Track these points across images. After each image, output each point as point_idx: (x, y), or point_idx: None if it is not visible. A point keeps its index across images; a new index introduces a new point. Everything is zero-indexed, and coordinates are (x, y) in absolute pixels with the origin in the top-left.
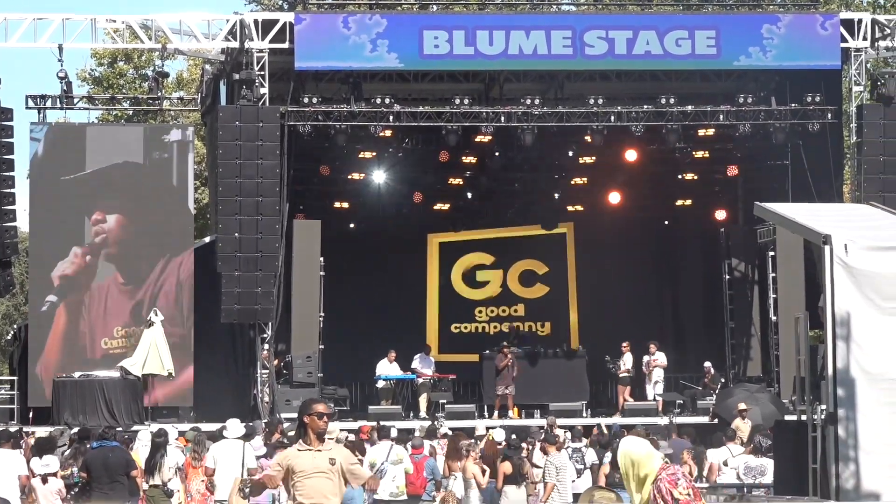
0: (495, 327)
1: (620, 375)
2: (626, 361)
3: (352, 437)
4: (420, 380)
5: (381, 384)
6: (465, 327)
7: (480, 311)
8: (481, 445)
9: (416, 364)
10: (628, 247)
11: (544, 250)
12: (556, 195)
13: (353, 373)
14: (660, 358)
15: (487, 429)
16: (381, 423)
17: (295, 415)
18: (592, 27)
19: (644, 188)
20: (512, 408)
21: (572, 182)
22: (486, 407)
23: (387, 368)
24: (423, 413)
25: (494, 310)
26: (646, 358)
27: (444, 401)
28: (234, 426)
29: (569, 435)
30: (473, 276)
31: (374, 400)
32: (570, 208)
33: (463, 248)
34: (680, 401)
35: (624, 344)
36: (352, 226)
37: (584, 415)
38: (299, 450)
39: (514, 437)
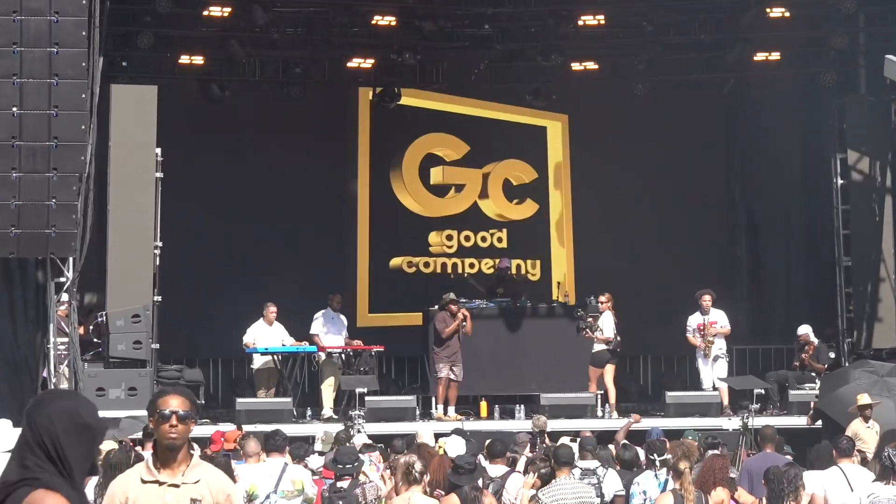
0: (471, 265)
1: (595, 349)
2: (605, 325)
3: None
4: (323, 354)
5: (256, 362)
6: (411, 266)
7: (443, 239)
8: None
9: (316, 328)
10: (666, 126)
11: (531, 144)
12: (553, 54)
13: (210, 343)
14: (720, 320)
15: (437, 437)
16: (260, 426)
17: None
18: None
19: (698, 32)
20: (453, 401)
21: (580, 24)
22: (434, 400)
23: (265, 335)
24: (327, 409)
25: (471, 236)
26: (695, 320)
27: (364, 390)
28: (3, 433)
29: (573, 446)
30: (428, 175)
31: (246, 387)
32: (576, 67)
33: (413, 125)
34: (759, 390)
35: (602, 297)
36: (214, 91)
37: (600, 413)
38: (143, 480)
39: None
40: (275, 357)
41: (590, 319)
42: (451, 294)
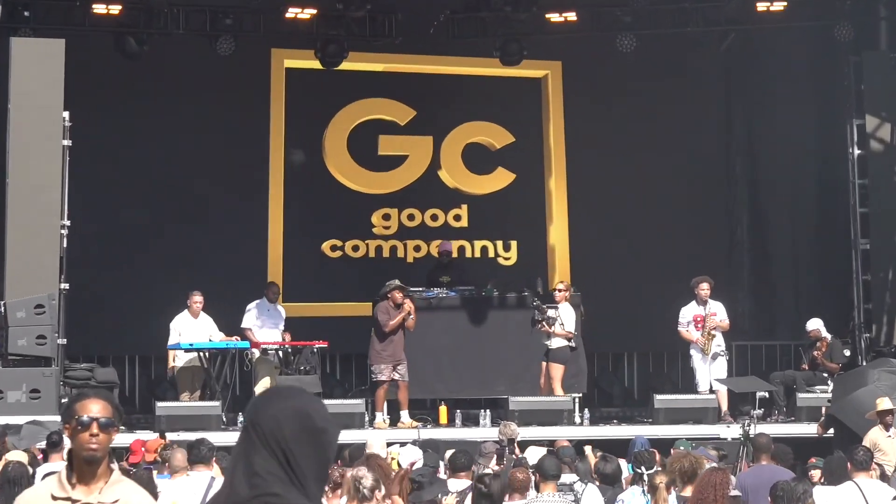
0: (418, 249)
1: (553, 345)
2: (565, 317)
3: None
4: (256, 351)
5: (179, 360)
6: (355, 248)
7: (387, 218)
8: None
9: (249, 321)
10: (656, 89)
11: (507, 106)
12: (526, 3)
13: (125, 338)
14: (719, 312)
15: (389, 445)
16: (184, 434)
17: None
18: None
19: None
20: (406, 404)
21: None
22: (373, 406)
23: (190, 328)
24: None
25: (415, 215)
26: (690, 311)
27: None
28: None
29: (538, 457)
30: (373, 147)
31: (168, 389)
32: (555, 18)
33: (350, 88)
34: (762, 393)
35: (559, 285)
36: (130, 45)
37: (578, 419)
38: (55, 497)
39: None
40: (201, 354)
41: (549, 311)
42: (397, 280)
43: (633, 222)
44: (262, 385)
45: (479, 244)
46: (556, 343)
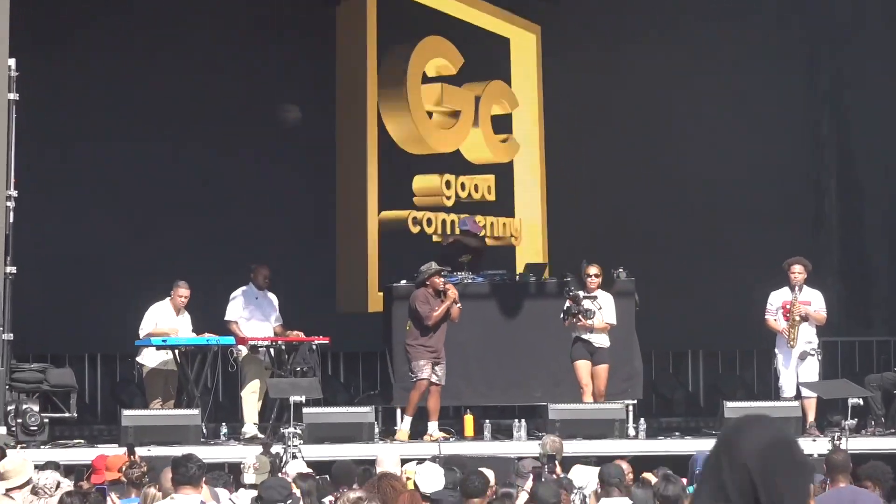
0: (452, 223)
1: (596, 342)
2: (606, 307)
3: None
4: (243, 348)
5: (150, 359)
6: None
7: (442, 185)
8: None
9: (233, 312)
10: (723, 30)
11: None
12: None
13: (85, 333)
14: (815, 301)
15: (404, 463)
16: (156, 449)
17: None
18: None
19: None
20: (436, 414)
21: None
22: (398, 412)
23: (167, 320)
24: (249, 426)
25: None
26: (780, 297)
27: (302, 398)
28: None
29: (589, 479)
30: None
31: (136, 395)
32: None
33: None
34: (855, 400)
35: (592, 269)
36: None
37: (632, 430)
38: None
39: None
40: (175, 352)
41: (585, 302)
42: (435, 263)
43: (694, 193)
44: (251, 389)
45: (501, 220)
46: (598, 340)
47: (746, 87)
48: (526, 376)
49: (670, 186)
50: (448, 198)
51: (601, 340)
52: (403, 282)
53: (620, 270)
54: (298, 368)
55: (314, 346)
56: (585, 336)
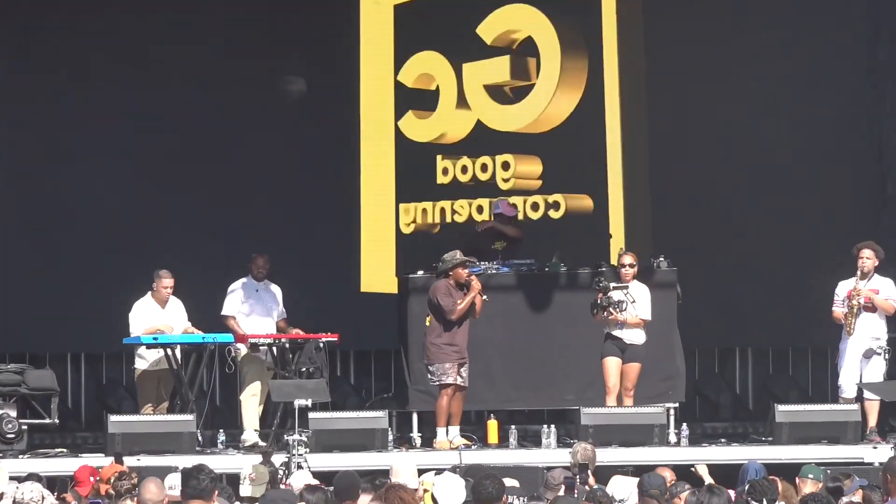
0: (462, 209)
1: (628, 338)
2: (641, 300)
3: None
4: (242, 347)
5: (140, 360)
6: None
7: (457, 169)
8: None
9: (231, 306)
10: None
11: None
12: None
13: (68, 331)
14: (884, 288)
15: (421, 474)
16: (146, 458)
17: None
18: None
19: None
20: (458, 418)
21: None
22: (414, 418)
23: (155, 319)
24: (249, 432)
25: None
26: (846, 287)
27: (308, 402)
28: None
29: (630, 490)
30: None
31: (125, 399)
32: None
33: None
34: None
35: (627, 258)
36: None
37: (674, 436)
38: None
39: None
40: (168, 352)
41: (614, 293)
42: (459, 253)
43: (739, 172)
44: (251, 392)
45: (532, 199)
46: (630, 336)
47: (805, 64)
48: (556, 377)
49: (718, 165)
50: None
51: (634, 336)
52: (421, 272)
53: (661, 259)
54: (304, 369)
55: (321, 344)
56: (617, 332)
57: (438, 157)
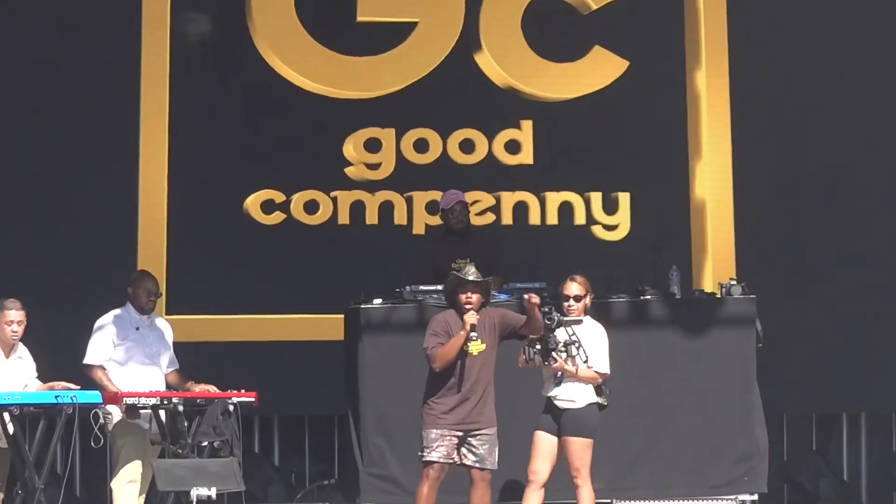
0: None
1: (561, 398)
2: (595, 344)
3: None
4: (115, 409)
5: None
6: (311, 207)
7: (373, 148)
8: None
9: (98, 351)
10: None
11: None
12: None
13: None
14: None
15: None
16: None
17: None
18: None
19: None
20: None
21: None
22: None
23: None
24: None
25: (429, 141)
26: None
27: (211, 492)
28: None
29: None
30: (346, 7)
31: None
32: None
33: None
34: None
35: (574, 285)
36: None
37: None
38: None
39: None
40: (6, 417)
41: (558, 332)
42: (472, 266)
43: (861, 166)
44: (127, 477)
45: (554, 198)
46: (569, 393)
47: None
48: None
49: (825, 156)
50: (373, 166)
51: (577, 395)
52: (378, 301)
53: (732, 282)
54: (206, 442)
55: (231, 406)
56: (552, 391)
57: None
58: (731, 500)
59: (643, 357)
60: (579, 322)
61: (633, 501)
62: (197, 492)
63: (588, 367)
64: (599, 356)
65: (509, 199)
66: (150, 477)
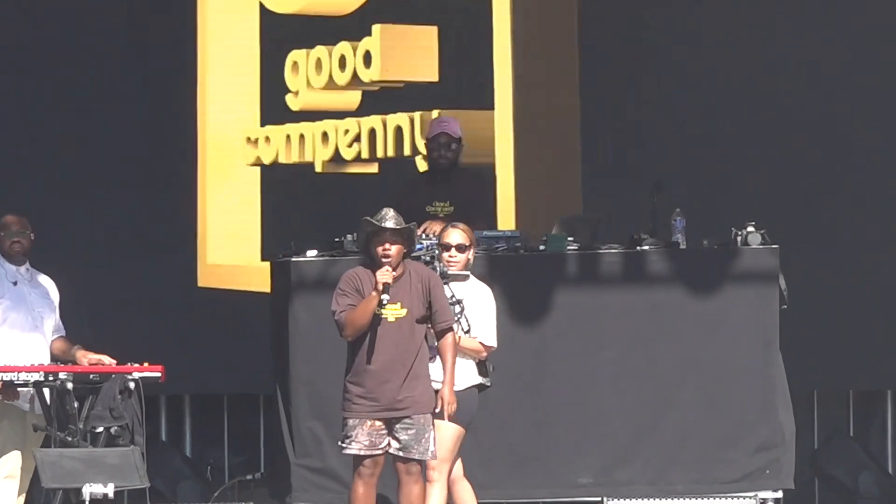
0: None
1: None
2: (478, 309)
3: None
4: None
5: None
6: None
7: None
8: None
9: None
10: None
11: None
12: None
13: None
14: None
15: None
16: None
17: None
18: None
19: None
20: None
21: None
22: None
23: None
24: None
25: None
26: None
27: (108, 490)
28: None
29: None
30: None
31: None
32: None
33: None
34: None
35: (449, 234)
36: None
37: None
38: None
39: None
40: None
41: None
42: (392, 211)
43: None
44: (6, 467)
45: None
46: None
47: None
48: (562, 447)
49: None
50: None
51: (464, 370)
52: (312, 253)
53: (750, 230)
54: (100, 428)
55: (131, 382)
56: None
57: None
58: (751, 497)
59: (639, 322)
60: (465, 278)
61: (627, 499)
62: (90, 489)
63: (471, 338)
64: (485, 325)
65: None
66: (31, 470)
